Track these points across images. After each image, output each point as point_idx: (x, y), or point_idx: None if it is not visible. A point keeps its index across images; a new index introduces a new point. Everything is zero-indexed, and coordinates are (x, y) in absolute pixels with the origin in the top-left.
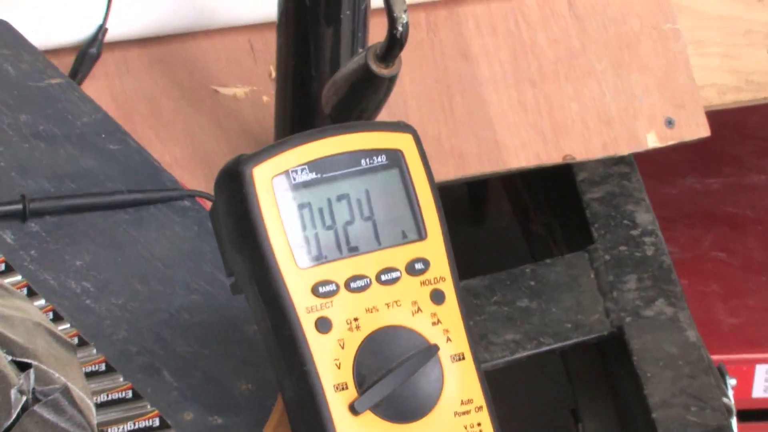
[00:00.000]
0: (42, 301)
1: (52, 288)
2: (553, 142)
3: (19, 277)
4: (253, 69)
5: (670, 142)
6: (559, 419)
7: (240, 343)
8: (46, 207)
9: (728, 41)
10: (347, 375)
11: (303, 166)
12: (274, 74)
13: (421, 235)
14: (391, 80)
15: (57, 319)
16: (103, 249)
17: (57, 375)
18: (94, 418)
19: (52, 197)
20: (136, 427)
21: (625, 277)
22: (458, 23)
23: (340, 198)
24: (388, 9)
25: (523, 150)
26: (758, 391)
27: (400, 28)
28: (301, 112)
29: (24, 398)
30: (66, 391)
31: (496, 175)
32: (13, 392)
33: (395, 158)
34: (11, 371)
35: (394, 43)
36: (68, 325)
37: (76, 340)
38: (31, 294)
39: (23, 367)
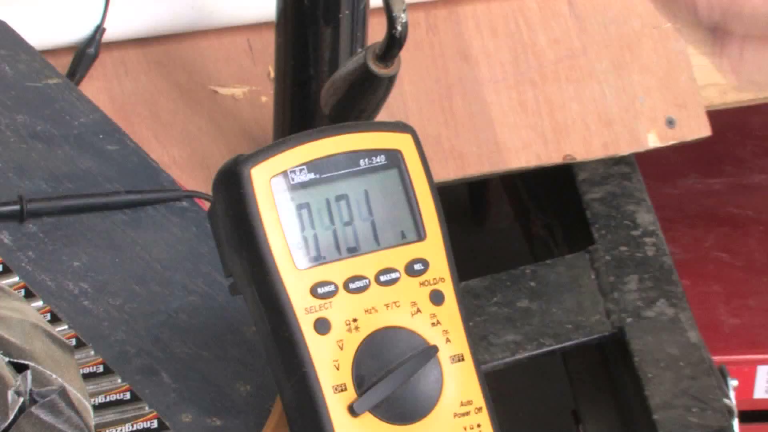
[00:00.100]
0: (39, 303)
1: (49, 289)
2: (554, 142)
3: (16, 278)
4: (251, 69)
5: (671, 142)
6: (560, 420)
7: (238, 344)
8: (44, 208)
9: None
10: (346, 376)
11: (301, 167)
12: (272, 74)
13: (421, 235)
14: (391, 80)
15: (54, 320)
16: (101, 250)
17: (54, 376)
18: (92, 419)
19: (50, 198)
20: (134, 428)
21: (626, 277)
22: (458, 23)
23: (338, 198)
24: (387, 8)
25: (523, 150)
26: (760, 392)
27: (399, 28)
28: (299, 112)
29: (21, 400)
30: (63, 393)
31: (496, 175)
32: (10, 394)
33: (394, 158)
34: (8, 373)
35: (394, 43)
36: (66, 327)
37: (73, 342)
38: (29, 295)
39: (20, 368)
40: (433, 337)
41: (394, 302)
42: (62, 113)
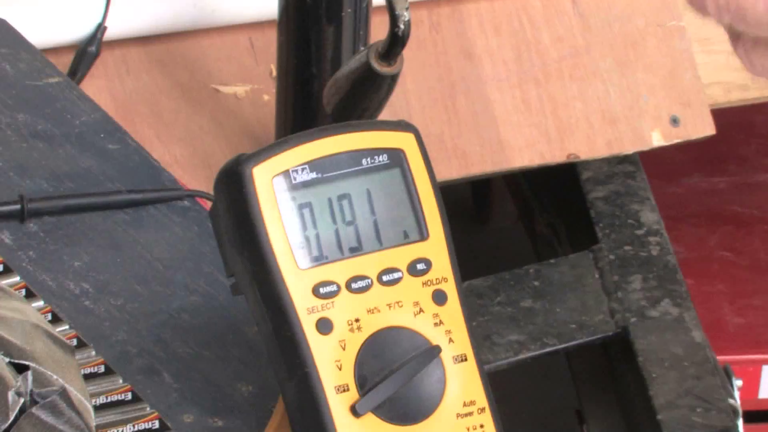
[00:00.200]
0: (40, 303)
1: (50, 289)
2: (558, 141)
3: (17, 278)
4: (253, 68)
5: (676, 141)
6: (564, 420)
7: (240, 344)
8: (45, 207)
9: None
10: (348, 376)
11: (303, 166)
12: (274, 73)
13: (423, 235)
14: (393, 79)
15: (55, 320)
16: (103, 250)
17: (55, 377)
18: (93, 420)
19: (51, 197)
20: (136, 429)
21: (630, 277)
22: (461, 21)
23: (341, 198)
24: (390, 7)
25: (527, 149)
26: (765, 392)
27: (401, 26)
28: (302, 110)
29: (22, 400)
30: (64, 393)
31: (499, 174)
32: (11, 394)
33: (397, 158)
34: (9, 373)
35: (396, 42)
36: (67, 327)
37: (74, 342)
38: (30, 295)
39: (21, 369)
40: (435, 337)
41: (397, 302)
42: (63, 112)
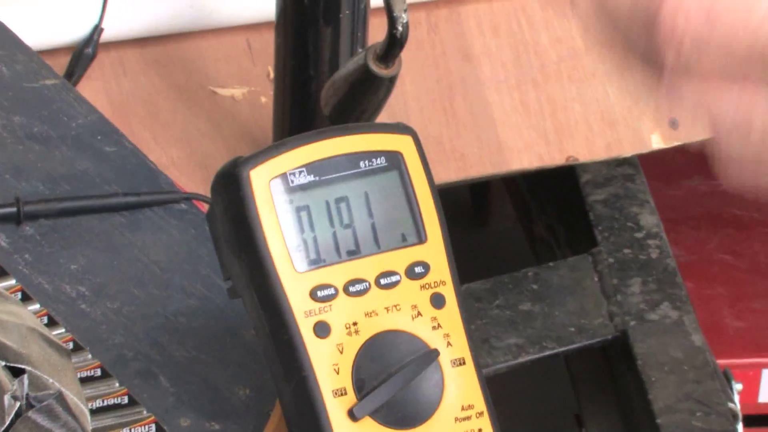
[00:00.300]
0: (36, 306)
1: (46, 292)
2: (556, 143)
3: (13, 281)
4: (251, 69)
5: (675, 143)
6: (563, 424)
7: (237, 347)
8: (41, 210)
9: None
10: (346, 380)
11: (301, 169)
12: (272, 75)
13: (421, 238)
14: (391, 81)
15: (52, 323)
16: (99, 252)
17: (51, 380)
18: (89, 424)
19: (47, 200)
20: None
21: (629, 280)
22: (459, 23)
23: (338, 201)
24: (388, 8)
25: (525, 151)
26: (765, 396)
27: (400, 28)
28: (299, 113)
29: (18, 404)
30: (60, 397)
31: (498, 176)
32: (7, 398)
33: (395, 160)
34: (5, 377)
35: (394, 43)
36: (63, 330)
37: (71, 345)
38: (26, 298)
39: (17, 372)
40: (433, 340)
41: (395, 305)
42: (60, 114)
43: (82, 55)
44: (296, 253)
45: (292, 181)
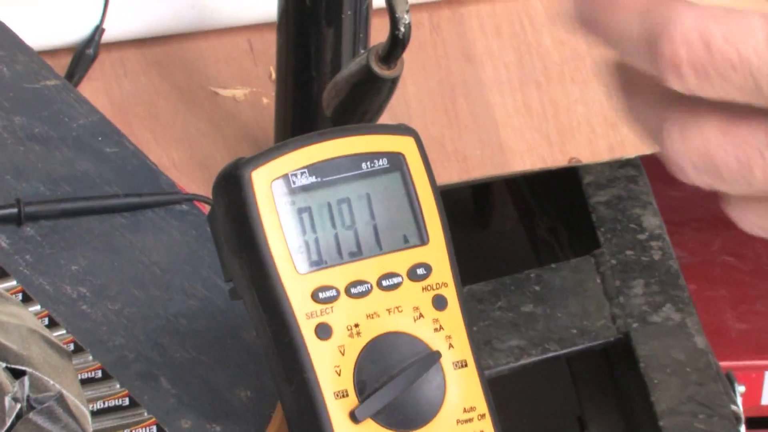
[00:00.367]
0: (37, 307)
1: (47, 293)
2: (559, 144)
3: (13, 283)
4: (252, 70)
5: None
6: (565, 426)
7: (239, 349)
8: (42, 211)
9: None
10: (348, 382)
11: (303, 170)
12: (274, 75)
13: (423, 239)
14: (393, 82)
15: (52, 325)
16: (100, 254)
17: (52, 382)
18: (90, 425)
19: (48, 201)
20: None
21: (631, 282)
22: (462, 24)
23: (340, 202)
24: (390, 9)
25: (528, 153)
26: (767, 399)
27: (402, 29)
28: (301, 114)
29: (18, 406)
30: (61, 399)
31: (500, 178)
32: (8, 400)
33: (397, 161)
34: (5, 378)
35: (396, 44)
36: (64, 331)
37: (71, 347)
38: (26, 299)
39: (18, 374)
40: (435, 342)
41: (396, 307)
42: (60, 115)
43: (83, 55)
44: (298, 255)
45: (294, 183)
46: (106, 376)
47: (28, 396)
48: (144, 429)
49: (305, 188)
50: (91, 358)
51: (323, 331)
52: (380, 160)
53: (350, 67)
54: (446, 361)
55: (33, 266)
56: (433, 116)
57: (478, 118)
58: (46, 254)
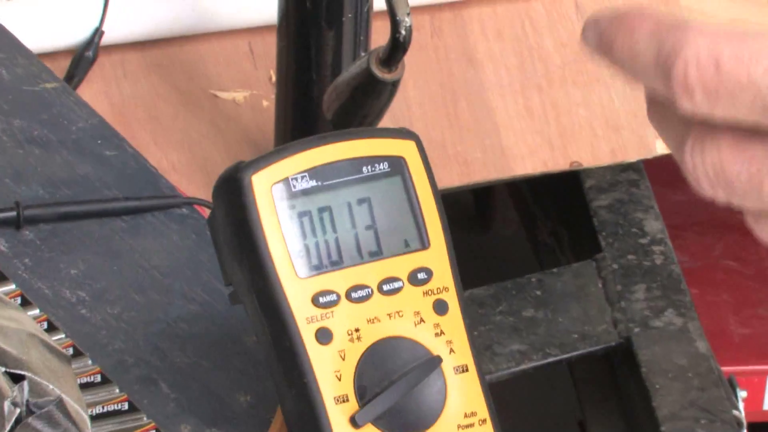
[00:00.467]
0: (36, 311)
1: (46, 297)
2: (560, 148)
3: (12, 286)
4: (252, 73)
5: None
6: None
7: (239, 354)
8: (41, 214)
9: None
10: (348, 387)
11: (303, 174)
12: (274, 78)
13: (424, 244)
14: (394, 85)
15: (51, 329)
16: (99, 257)
17: (51, 387)
18: (89, 430)
19: (47, 204)
20: None
21: (633, 286)
22: (463, 27)
23: (341, 206)
24: (391, 12)
25: (529, 157)
26: None
27: (403, 32)
28: (301, 117)
29: (18, 410)
30: (60, 403)
31: (501, 182)
32: (7, 404)
33: (397, 165)
34: (5, 383)
35: (397, 47)
36: (63, 336)
37: (71, 351)
38: (25, 303)
39: (17, 378)
40: (436, 347)
41: (397, 312)
42: (60, 118)
43: (83, 58)
44: (298, 259)
45: (294, 186)
46: (105, 381)
47: (27, 400)
48: None
49: (306, 192)
50: (90, 362)
51: (324, 336)
52: (381, 164)
53: (351, 70)
54: (447, 365)
55: (32, 270)
56: (434, 119)
57: (480, 122)
58: (45, 258)
